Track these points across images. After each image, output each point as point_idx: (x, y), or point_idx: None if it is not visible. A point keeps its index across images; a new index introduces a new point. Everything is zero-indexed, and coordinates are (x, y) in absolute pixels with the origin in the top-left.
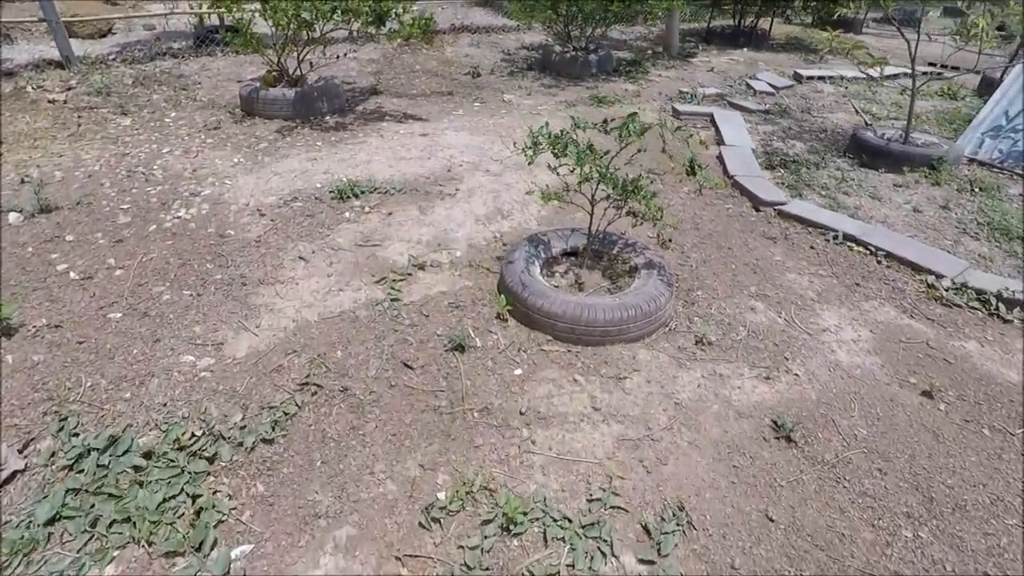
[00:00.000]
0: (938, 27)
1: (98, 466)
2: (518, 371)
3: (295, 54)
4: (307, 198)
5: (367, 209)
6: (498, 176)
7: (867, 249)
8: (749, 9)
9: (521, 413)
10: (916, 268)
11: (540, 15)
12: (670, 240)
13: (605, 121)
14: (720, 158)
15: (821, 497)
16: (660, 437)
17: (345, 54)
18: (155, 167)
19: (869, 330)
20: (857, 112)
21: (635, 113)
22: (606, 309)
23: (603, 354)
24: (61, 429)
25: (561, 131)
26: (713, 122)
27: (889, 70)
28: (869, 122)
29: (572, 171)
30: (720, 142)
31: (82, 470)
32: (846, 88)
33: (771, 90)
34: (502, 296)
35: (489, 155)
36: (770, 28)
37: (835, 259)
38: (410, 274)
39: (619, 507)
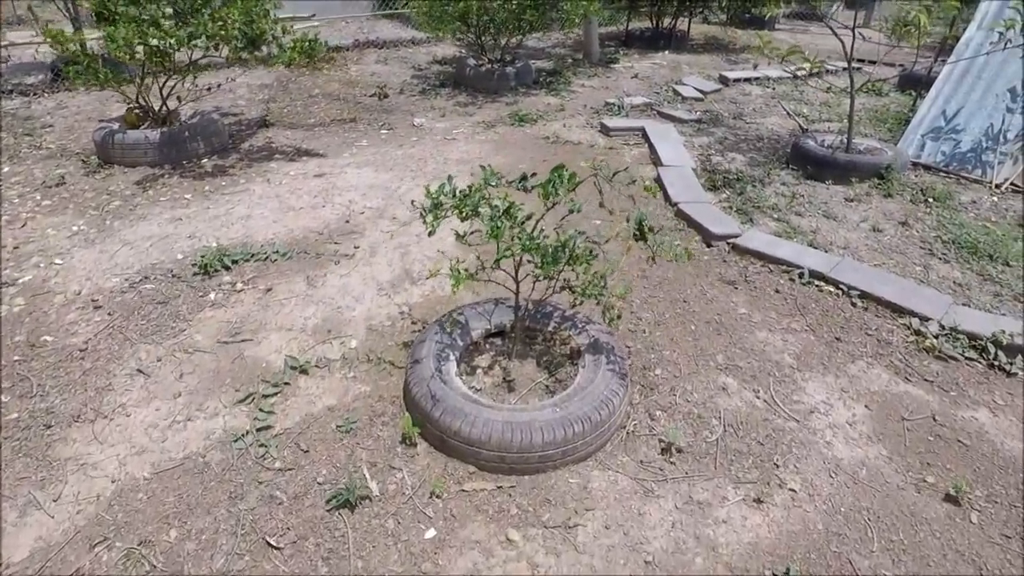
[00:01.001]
0: (841, 19)
1: None
2: (431, 532)
3: (158, 87)
4: (162, 276)
5: (239, 286)
6: (407, 225)
7: (838, 288)
8: (666, 10)
9: None
10: (897, 309)
11: (448, 26)
12: (619, 316)
13: (524, 177)
14: (659, 181)
15: None
16: None
17: (219, 84)
18: None
19: (864, 405)
20: (789, 115)
21: (562, 165)
22: (544, 428)
23: (544, 487)
24: None
25: (470, 187)
26: (646, 137)
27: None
28: (805, 127)
29: (487, 240)
30: (657, 162)
31: None
32: (773, 89)
33: (699, 95)
34: (408, 413)
35: (397, 196)
36: (688, 29)
37: (806, 304)
38: (288, 383)
39: None
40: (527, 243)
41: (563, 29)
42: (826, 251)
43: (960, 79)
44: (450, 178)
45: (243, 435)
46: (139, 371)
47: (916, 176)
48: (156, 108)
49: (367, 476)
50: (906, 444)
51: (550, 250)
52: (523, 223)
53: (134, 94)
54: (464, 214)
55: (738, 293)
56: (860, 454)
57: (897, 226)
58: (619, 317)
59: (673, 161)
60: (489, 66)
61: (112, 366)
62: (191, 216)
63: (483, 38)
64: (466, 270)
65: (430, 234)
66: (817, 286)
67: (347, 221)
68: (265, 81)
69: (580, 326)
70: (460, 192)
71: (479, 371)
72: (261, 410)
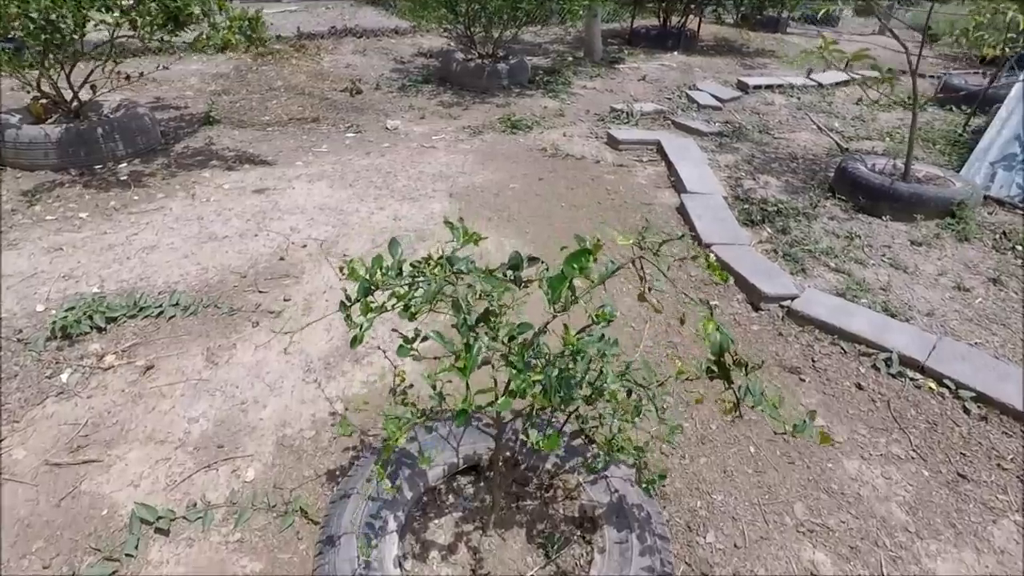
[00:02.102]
0: (853, 25)
1: None
2: None
3: (65, 73)
4: (3, 341)
5: (109, 359)
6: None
7: (942, 385)
8: (675, 7)
9: None
10: None
11: (433, 14)
12: (663, 476)
13: (516, 265)
14: (683, 212)
15: None
16: None
17: (140, 74)
18: None
19: None
20: (821, 130)
21: (585, 251)
22: None
23: None
24: None
25: (427, 259)
26: (662, 153)
27: (832, 76)
28: (844, 146)
29: (455, 360)
30: (679, 186)
31: None
32: (799, 99)
33: (717, 104)
34: None
35: (353, 223)
36: (698, 28)
37: (903, 411)
38: (131, 555)
39: None
40: (520, 383)
41: (563, 23)
42: (908, 319)
43: None
44: (394, 242)
45: None
46: None
47: (990, 213)
48: (68, 98)
49: None
50: None
51: (563, 384)
52: (514, 336)
53: (36, 80)
54: (415, 310)
55: (808, 390)
56: None
57: (987, 283)
58: (663, 478)
59: (698, 187)
60: (479, 61)
61: None
62: (78, 245)
63: (473, 29)
64: (414, 405)
65: (354, 342)
66: (912, 379)
67: (282, 258)
68: (222, 70)
69: (596, 470)
70: (412, 266)
71: (434, 550)
72: None
